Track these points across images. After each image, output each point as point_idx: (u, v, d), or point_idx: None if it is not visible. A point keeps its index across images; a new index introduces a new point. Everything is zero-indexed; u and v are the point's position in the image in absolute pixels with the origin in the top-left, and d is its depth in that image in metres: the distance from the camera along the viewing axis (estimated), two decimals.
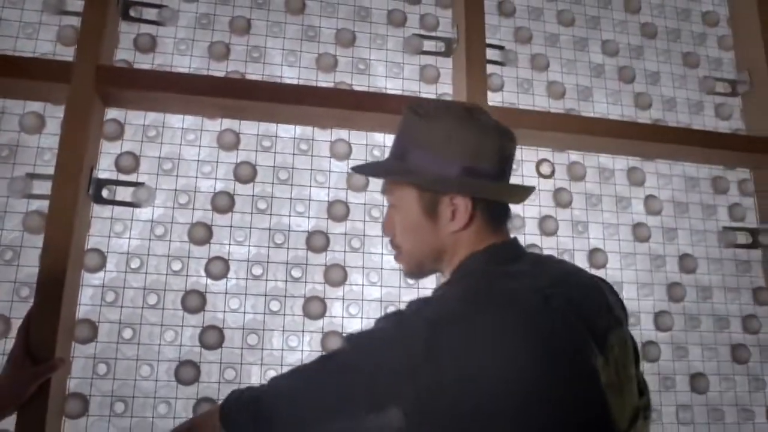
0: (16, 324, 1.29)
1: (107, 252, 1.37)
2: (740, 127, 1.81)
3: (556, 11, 1.75)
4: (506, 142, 0.96)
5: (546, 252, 1.58)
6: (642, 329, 1.60)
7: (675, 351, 1.62)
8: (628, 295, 1.61)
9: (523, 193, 0.99)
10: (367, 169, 1.08)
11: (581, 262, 1.61)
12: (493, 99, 1.59)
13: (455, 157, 0.91)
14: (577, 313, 0.85)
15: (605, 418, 0.81)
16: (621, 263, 1.64)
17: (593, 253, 1.61)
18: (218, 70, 1.52)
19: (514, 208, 1.12)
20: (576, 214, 1.64)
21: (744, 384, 1.66)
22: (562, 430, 0.77)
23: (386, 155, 1.54)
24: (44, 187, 1.35)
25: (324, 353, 0.94)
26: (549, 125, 1.57)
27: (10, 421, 1.17)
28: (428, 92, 1.62)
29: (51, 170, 1.37)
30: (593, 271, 1.57)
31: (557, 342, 0.80)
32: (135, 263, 1.39)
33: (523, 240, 1.57)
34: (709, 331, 1.66)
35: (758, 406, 1.65)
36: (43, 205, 1.35)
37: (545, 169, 1.64)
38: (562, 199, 1.62)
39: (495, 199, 0.94)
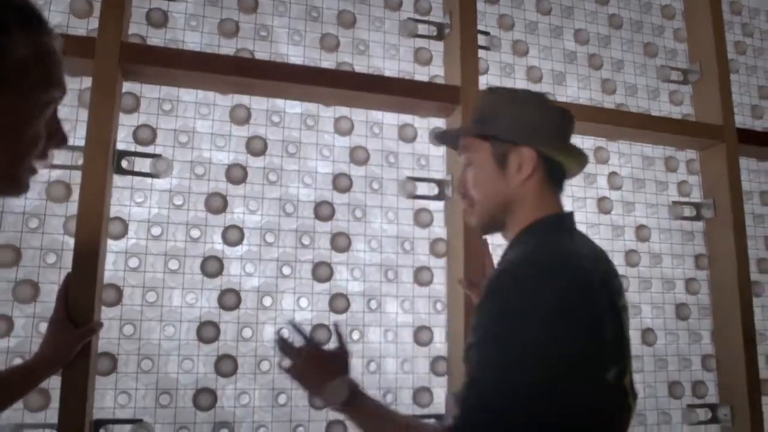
0: (44, 288, 1.36)
1: (128, 220, 1.45)
2: (690, 113, 2.03)
3: (536, 0, 1.90)
4: (567, 118, 1.13)
5: None
6: None
7: (630, 310, 1.85)
8: None
9: (581, 156, 1.13)
10: (452, 132, 1.21)
11: None
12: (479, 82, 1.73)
13: (524, 118, 1.09)
14: (609, 278, 1.03)
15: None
16: (587, 232, 1.84)
17: None
18: (228, 47, 1.59)
19: None
20: None
21: (685, 337, 1.91)
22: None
23: (384, 132, 1.67)
24: (64, 158, 1.40)
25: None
26: None
27: (50, 381, 1.26)
28: (422, 74, 1.74)
29: (71, 141, 1.43)
30: None
31: (604, 295, 0.98)
32: (156, 231, 1.47)
33: None
34: (659, 292, 1.90)
35: (695, 356, 1.92)
36: (64, 174, 1.42)
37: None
38: None
39: (555, 157, 1.09)
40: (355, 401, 1.10)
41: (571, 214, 1.12)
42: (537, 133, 1.08)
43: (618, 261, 1.86)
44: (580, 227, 1.77)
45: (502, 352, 0.92)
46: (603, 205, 1.87)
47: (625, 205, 1.91)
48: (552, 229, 1.07)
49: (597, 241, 1.78)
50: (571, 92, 1.89)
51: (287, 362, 1.20)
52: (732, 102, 1.96)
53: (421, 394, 1.58)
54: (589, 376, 0.93)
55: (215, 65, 1.48)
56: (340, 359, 1.20)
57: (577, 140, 1.83)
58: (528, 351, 0.90)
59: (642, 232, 1.90)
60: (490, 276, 1.01)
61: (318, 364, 1.18)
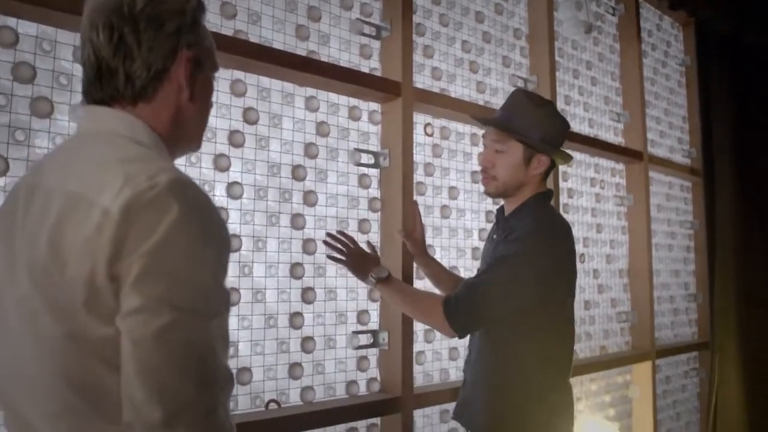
0: None
1: None
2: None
3: (439, 15, 2.44)
4: (566, 125, 1.78)
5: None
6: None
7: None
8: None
9: (569, 157, 1.80)
10: (500, 125, 1.75)
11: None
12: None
13: (546, 131, 1.71)
14: None
15: None
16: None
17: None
18: (227, 27, 1.85)
19: None
20: (441, 160, 2.42)
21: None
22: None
23: (339, 111, 2.07)
24: None
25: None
26: (430, 100, 2.29)
27: None
28: (364, 66, 2.18)
29: None
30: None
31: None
32: None
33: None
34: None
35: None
36: None
37: (429, 129, 2.37)
38: (437, 152, 2.38)
39: (557, 160, 1.76)
40: (390, 279, 1.80)
41: (551, 191, 1.81)
42: (552, 145, 1.72)
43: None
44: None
45: (516, 272, 1.62)
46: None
47: None
48: (545, 201, 1.77)
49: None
50: (459, 90, 2.49)
51: (335, 254, 1.88)
52: None
53: (362, 315, 2.09)
54: (572, 294, 1.62)
55: (223, 44, 1.75)
56: (376, 256, 1.95)
57: (458, 126, 2.45)
58: (535, 276, 1.61)
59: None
60: (523, 228, 1.67)
61: (363, 256, 1.88)
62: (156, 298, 0.80)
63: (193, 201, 0.86)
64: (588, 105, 3.13)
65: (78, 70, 1.57)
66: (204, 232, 0.86)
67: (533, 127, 1.72)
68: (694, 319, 3.81)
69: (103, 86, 0.98)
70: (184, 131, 1.05)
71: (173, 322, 0.80)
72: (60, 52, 1.56)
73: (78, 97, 1.58)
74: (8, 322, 0.91)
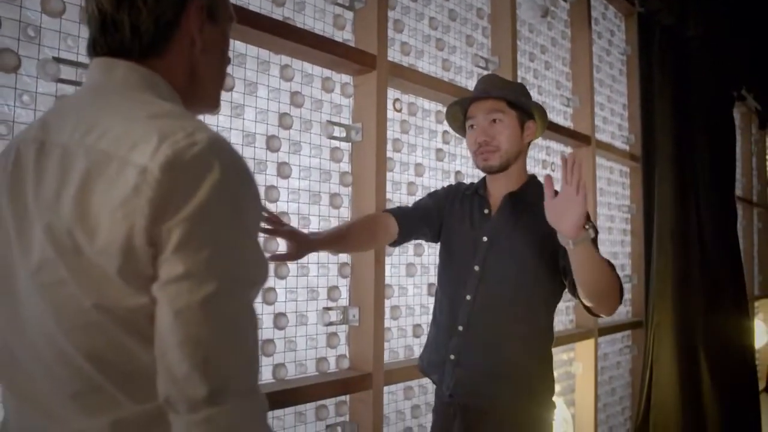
0: None
1: None
2: None
3: None
4: None
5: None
6: None
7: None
8: None
9: (546, 125, 1.86)
10: (499, 94, 1.79)
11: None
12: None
13: (534, 101, 1.80)
14: None
15: None
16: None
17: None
18: None
19: None
20: (409, 137, 2.40)
21: None
22: None
23: (313, 83, 2.02)
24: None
25: None
26: (403, 75, 2.26)
27: None
28: (338, 36, 2.12)
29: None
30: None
31: None
32: None
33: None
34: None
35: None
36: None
37: (398, 105, 2.34)
38: (404, 128, 2.36)
39: (538, 128, 1.83)
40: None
41: None
42: (538, 113, 1.79)
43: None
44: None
45: None
46: (440, 154, 2.52)
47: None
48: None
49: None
50: (424, 66, 2.47)
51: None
52: None
53: (332, 291, 2.06)
54: None
55: None
56: None
57: (423, 102, 2.44)
58: None
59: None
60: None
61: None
62: (201, 265, 0.74)
63: (232, 161, 0.80)
64: (542, 89, 3.18)
65: (46, 22, 1.46)
66: (244, 195, 0.80)
67: (524, 97, 1.83)
68: (628, 299, 3.99)
69: (107, 41, 0.90)
70: (201, 88, 0.99)
71: (219, 289, 0.74)
72: (27, 0, 1.43)
73: (47, 53, 1.45)
74: (20, 296, 0.83)
